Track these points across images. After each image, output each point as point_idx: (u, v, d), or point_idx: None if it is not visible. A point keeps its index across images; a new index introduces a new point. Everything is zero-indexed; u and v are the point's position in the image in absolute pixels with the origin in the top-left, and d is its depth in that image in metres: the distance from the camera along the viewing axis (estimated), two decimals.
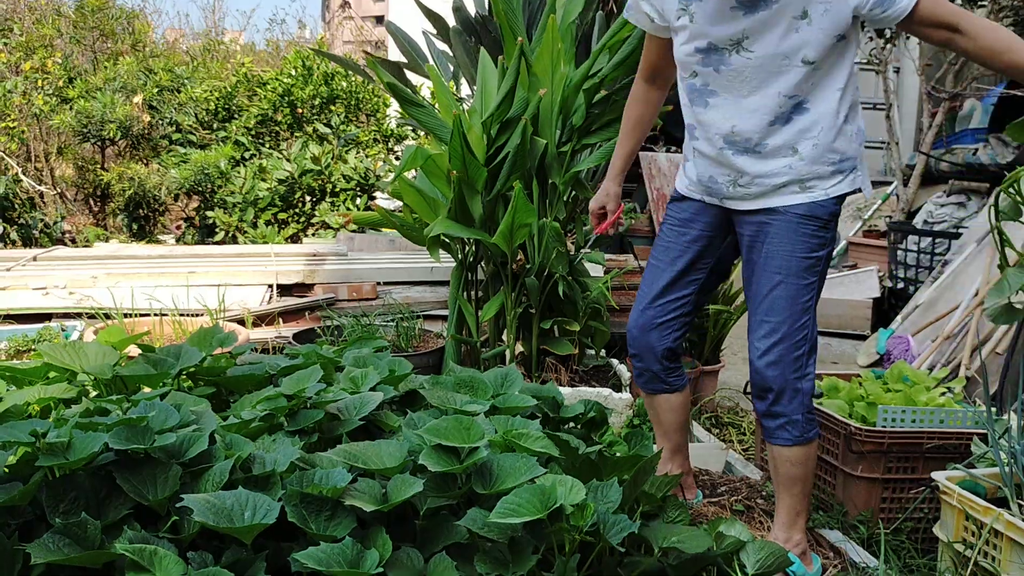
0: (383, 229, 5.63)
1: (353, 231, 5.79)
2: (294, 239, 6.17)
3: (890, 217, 6.90)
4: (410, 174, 4.11)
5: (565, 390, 3.76)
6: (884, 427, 2.70)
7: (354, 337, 2.91)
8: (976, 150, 6.72)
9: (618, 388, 3.94)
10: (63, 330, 3.77)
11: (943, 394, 2.96)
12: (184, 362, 2.45)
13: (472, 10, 5.58)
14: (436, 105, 3.96)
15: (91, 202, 6.94)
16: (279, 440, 1.95)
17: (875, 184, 8.63)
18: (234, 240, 6.26)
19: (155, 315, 3.99)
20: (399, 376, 2.46)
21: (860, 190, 2.32)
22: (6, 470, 1.66)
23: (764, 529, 2.72)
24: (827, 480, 2.87)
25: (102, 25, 7.08)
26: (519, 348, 3.88)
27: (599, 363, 4.18)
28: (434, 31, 5.69)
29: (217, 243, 6.38)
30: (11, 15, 6.99)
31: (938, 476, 2.38)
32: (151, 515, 1.69)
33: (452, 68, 5.75)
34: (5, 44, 6.58)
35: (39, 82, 6.05)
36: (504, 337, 3.83)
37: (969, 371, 4.68)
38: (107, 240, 6.09)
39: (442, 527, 1.77)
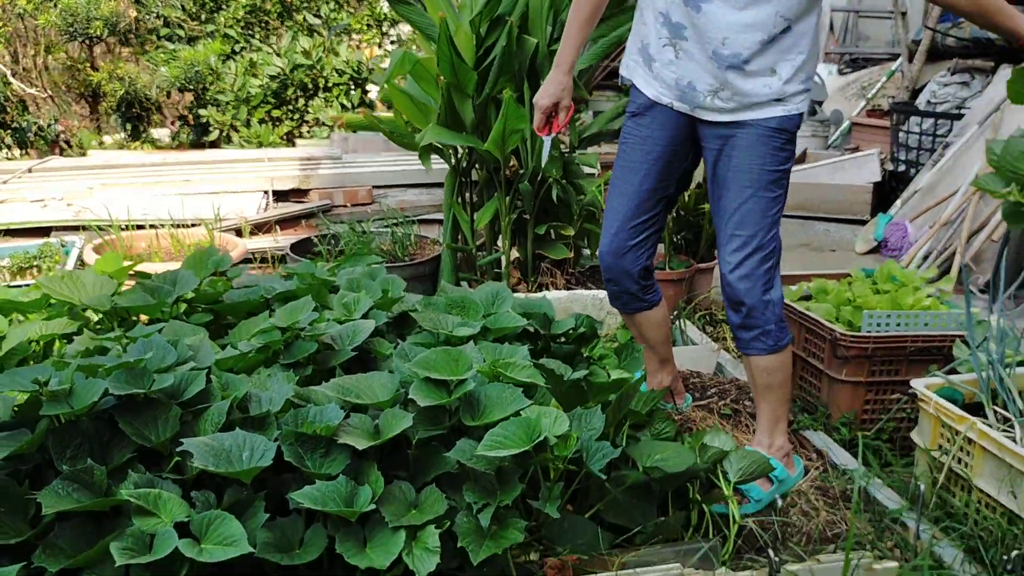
0: None
1: (347, 131, 5.74)
2: (288, 137, 6.12)
3: (893, 98, 6.79)
4: (399, 78, 4.04)
5: (561, 293, 3.83)
6: (869, 332, 2.76)
7: (349, 252, 2.94)
8: None
9: None
10: (63, 246, 3.81)
11: (930, 295, 3.00)
12: (180, 289, 2.49)
13: None
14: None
15: (83, 102, 6.87)
16: (274, 375, 2.02)
17: (881, 59, 8.45)
18: (228, 139, 6.21)
19: (151, 227, 4.03)
20: (392, 300, 2.51)
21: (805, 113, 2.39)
22: (11, 417, 1.74)
23: (750, 432, 2.82)
24: (812, 383, 2.95)
25: None
26: (515, 253, 3.92)
27: (595, 263, 4.22)
28: None
29: (212, 142, 6.34)
30: None
31: (916, 384, 2.45)
32: (154, 456, 1.78)
33: None
34: None
35: None
36: (499, 243, 3.87)
37: (964, 259, 4.72)
38: (101, 144, 6.05)
39: (432, 457, 1.86)
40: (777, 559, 1.99)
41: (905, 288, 2.97)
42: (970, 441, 2.24)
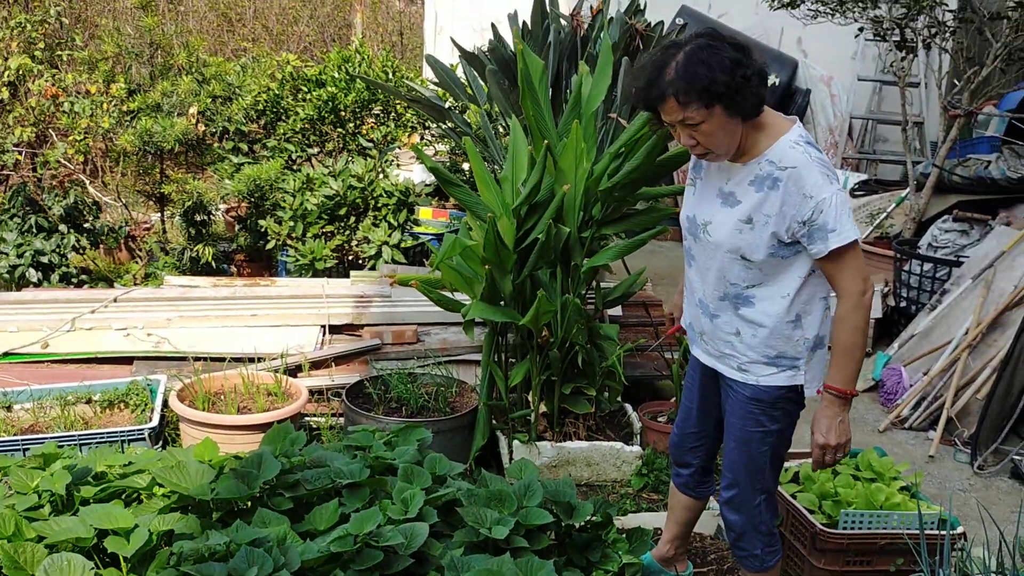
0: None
1: (396, 261, 6.31)
2: (339, 250, 6.67)
3: (899, 234, 7.25)
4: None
5: (583, 444, 4.33)
6: (845, 529, 3.22)
7: (399, 430, 3.45)
8: (988, 163, 7.00)
9: (629, 439, 4.48)
10: (148, 384, 4.34)
11: (902, 488, 3.46)
12: (265, 474, 3.00)
13: (507, 47, 5.94)
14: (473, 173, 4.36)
15: (151, 204, 7.50)
16: None
17: (891, 185, 8.96)
18: (284, 248, 6.79)
19: (225, 360, 4.57)
20: (440, 492, 3.00)
21: (800, 388, 2.68)
22: None
23: None
24: (796, 564, 3.40)
25: (160, 40, 7.50)
26: (543, 407, 4.42)
27: (613, 408, 4.71)
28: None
29: (268, 250, 6.91)
30: (71, 27, 7.43)
31: None
32: None
33: (486, 96, 6.12)
34: (70, 56, 7.04)
35: (104, 105, 6.53)
36: (530, 398, 4.37)
37: (951, 412, 5.16)
38: (171, 269, 6.64)
39: None
40: None
41: (880, 483, 3.42)
42: None
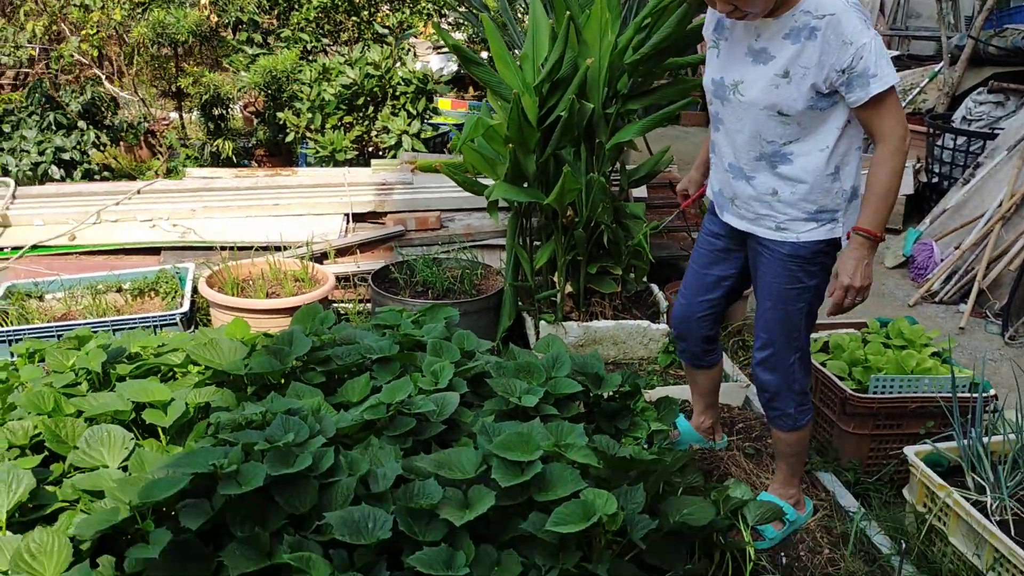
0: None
1: (416, 150, 6.22)
2: (358, 141, 6.60)
3: (932, 109, 7.06)
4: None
5: (609, 323, 4.32)
6: (875, 394, 3.22)
7: (426, 309, 3.45)
8: None
9: (656, 317, 4.48)
10: (176, 272, 4.36)
11: (934, 353, 3.44)
12: (296, 350, 3.03)
13: None
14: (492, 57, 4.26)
15: (168, 100, 7.43)
16: (383, 447, 2.55)
17: (924, 60, 8.67)
18: (303, 140, 6.72)
19: (252, 249, 4.59)
20: (469, 365, 3.02)
21: (837, 242, 2.65)
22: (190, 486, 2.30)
23: (770, 471, 3.31)
24: (825, 429, 3.42)
25: None
26: (568, 288, 4.41)
27: (640, 288, 4.69)
28: None
29: (287, 144, 6.85)
30: None
31: (908, 451, 2.92)
32: (298, 518, 2.33)
33: None
34: None
35: None
36: (556, 279, 4.36)
37: (983, 284, 5.10)
38: (190, 157, 6.59)
39: (508, 521, 2.38)
40: None
41: (911, 349, 3.41)
42: (948, 506, 2.72)
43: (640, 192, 5.13)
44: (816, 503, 3.17)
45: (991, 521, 2.58)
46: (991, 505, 2.68)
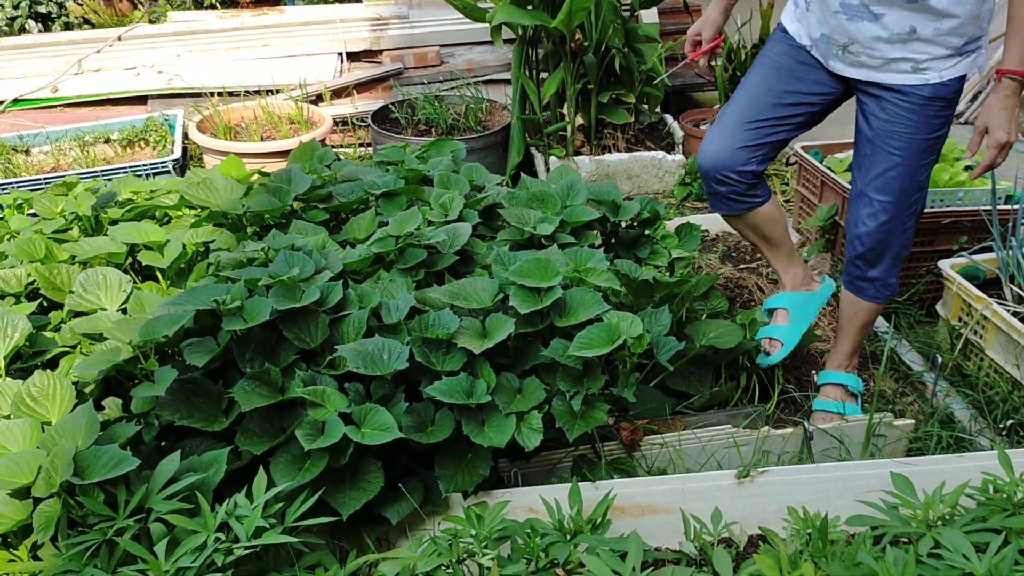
0: None
1: None
2: None
3: None
4: None
5: (623, 156, 4.14)
6: None
7: (431, 144, 3.27)
8: None
9: (671, 148, 4.28)
10: (165, 119, 4.15)
11: (966, 168, 3.26)
12: (296, 188, 2.87)
13: None
14: None
15: None
16: (395, 279, 2.42)
17: None
18: None
19: (243, 94, 4.36)
20: (479, 197, 2.85)
21: (978, 71, 2.25)
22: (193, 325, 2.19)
23: None
24: None
25: None
26: (579, 119, 4.19)
27: (653, 120, 4.47)
28: None
29: None
30: None
31: (943, 264, 2.78)
32: (309, 354, 2.22)
33: None
34: None
35: None
36: (565, 110, 4.13)
37: None
38: (176, 6, 6.24)
39: (529, 349, 2.28)
40: (811, 424, 2.43)
41: (943, 163, 3.22)
42: (985, 318, 2.60)
43: (650, 16, 4.82)
44: None
45: None
46: None
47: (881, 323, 3.03)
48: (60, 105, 4.46)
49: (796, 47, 2.40)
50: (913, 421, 2.51)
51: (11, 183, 3.50)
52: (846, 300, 2.55)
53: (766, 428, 2.45)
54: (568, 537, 1.83)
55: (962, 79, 2.22)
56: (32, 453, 1.83)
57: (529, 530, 1.82)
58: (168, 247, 2.55)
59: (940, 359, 2.63)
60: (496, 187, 3.08)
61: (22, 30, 5.95)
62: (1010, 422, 2.30)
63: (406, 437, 2.02)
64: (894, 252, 2.41)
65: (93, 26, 6.49)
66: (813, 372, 2.71)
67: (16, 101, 4.44)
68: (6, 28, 5.87)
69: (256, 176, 2.97)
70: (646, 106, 4.25)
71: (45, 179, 3.54)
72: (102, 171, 3.58)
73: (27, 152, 3.97)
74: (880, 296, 2.48)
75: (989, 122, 2.16)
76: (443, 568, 1.76)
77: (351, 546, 2.02)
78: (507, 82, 4.55)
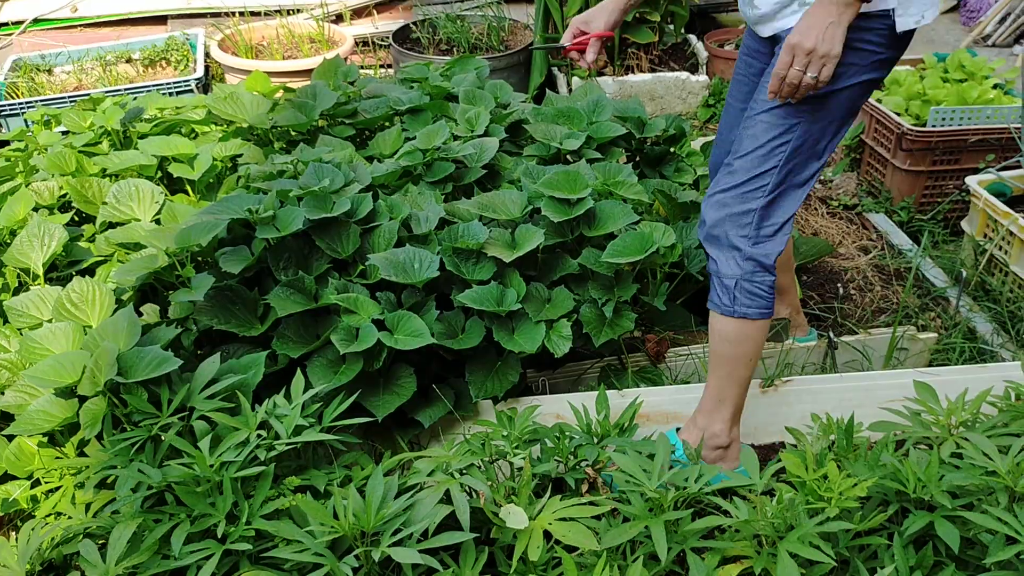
0: None
1: None
2: None
3: None
4: None
5: (646, 76, 4.11)
6: (934, 127, 3.04)
7: (455, 61, 3.25)
8: None
9: (695, 69, 4.23)
10: (186, 39, 4.13)
11: (996, 85, 3.23)
12: (321, 104, 2.87)
13: None
14: None
15: None
16: (423, 192, 2.44)
17: None
18: None
19: (264, 14, 4.32)
20: (505, 113, 2.85)
21: (915, 22, 1.75)
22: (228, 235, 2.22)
23: (821, 215, 3.19)
24: (878, 169, 3.27)
25: None
26: None
27: (677, 40, 4.42)
28: None
29: None
30: None
31: (970, 181, 2.78)
32: (341, 264, 2.25)
33: None
34: None
35: None
36: None
37: None
38: None
39: (558, 260, 2.30)
40: (835, 337, 2.45)
41: (972, 81, 3.19)
42: (1011, 233, 2.61)
43: None
44: (867, 243, 3.07)
45: None
46: None
47: (905, 240, 3.03)
48: (80, 25, 4.45)
49: (748, 35, 2.10)
50: (936, 335, 2.53)
51: (36, 101, 3.51)
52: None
53: (790, 340, 2.48)
54: (596, 440, 1.88)
55: (869, 31, 1.75)
56: (76, 354, 1.88)
57: (558, 433, 1.86)
58: (198, 160, 2.57)
59: (964, 274, 2.64)
60: (521, 104, 3.07)
61: None
62: None
63: (438, 343, 2.06)
64: (731, 237, 1.87)
65: None
66: (839, 286, 2.73)
67: (36, 21, 4.42)
68: None
69: (281, 92, 2.96)
70: (671, 26, 4.20)
71: (69, 97, 3.54)
72: (126, 89, 3.58)
73: (49, 71, 3.97)
74: (716, 302, 1.91)
75: (798, 23, 1.73)
76: (475, 467, 1.82)
77: (385, 447, 2.08)
78: (529, 0, 4.48)
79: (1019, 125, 2.89)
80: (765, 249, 1.86)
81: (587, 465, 1.83)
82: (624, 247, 2.16)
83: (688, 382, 2.37)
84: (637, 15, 4.01)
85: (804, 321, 2.51)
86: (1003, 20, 5.00)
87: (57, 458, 1.91)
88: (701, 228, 1.93)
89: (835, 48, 1.69)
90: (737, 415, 1.98)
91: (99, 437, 1.84)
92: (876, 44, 1.76)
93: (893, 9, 1.72)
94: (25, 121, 3.29)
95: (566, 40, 2.18)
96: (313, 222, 2.19)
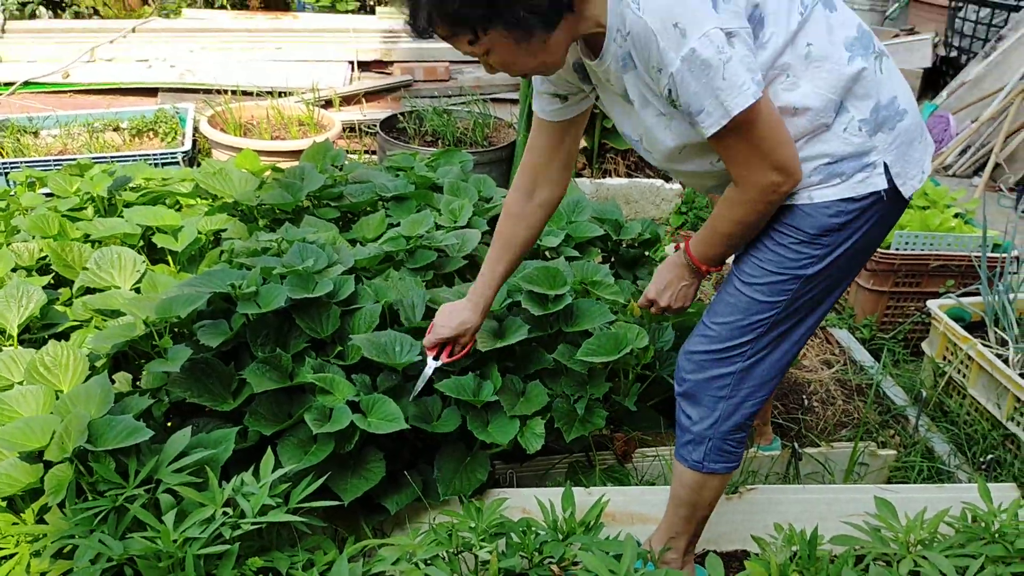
0: None
1: None
2: None
3: None
4: None
5: (623, 180, 4.23)
6: (898, 250, 3.16)
7: (440, 153, 3.34)
8: None
9: (669, 177, 4.37)
10: (176, 112, 4.20)
11: (957, 214, 3.37)
12: (308, 186, 2.93)
13: None
14: None
15: None
16: (404, 279, 2.48)
17: None
18: None
19: (256, 94, 4.41)
20: (487, 206, 2.93)
21: (880, 193, 1.64)
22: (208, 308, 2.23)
23: None
24: None
25: None
26: (583, 142, 4.28)
27: None
28: None
29: None
30: None
31: (932, 304, 2.88)
32: (319, 344, 2.27)
33: None
34: None
35: None
36: None
37: (999, 157, 5.01)
38: (187, 3, 6.30)
39: (534, 354, 2.34)
40: (799, 448, 2.50)
41: (935, 208, 3.34)
42: (970, 358, 2.70)
43: None
44: (831, 357, 3.15)
45: (1014, 371, 2.56)
46: (1013, 357, 2.66)
47: (867, 357, 3.12)
48: (71, 91, 4.50)
49: None
50: (895, 452, 2.59)
51: (21, 162, 3.53)
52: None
53: (754, 448, 2.51)
54: (562, 537, 1.88)
55: (839, 211, 1.65)
56: (46, 418, 1.86)
57: (524, 528, 1.87)
58: (183, 232, 2.60)
59: (924, 394, 2.72)
60: (503, 199, 3.15)
61: (33, 15, 5.99)
62: (990, 456, 2.39)
63: (414, 425, 2.07)
64: (709, 397, 1.83)
65: (101, 17, 6.54)
66: (803, 397, 2.79)
67: (27, 83, 4.48)
68: (17, 12, 5.90)
69: (269, 172, 3.02)
70: None
71: (54, 161, 3.57)
72: (112, 157, 3.62)
73: (36, 134, 4.00)
74: (685, 455, 1.89)
75: (655, 274, 1.91)
76: (440, 559, 1.81)
77: (348, 532, 2.06)
78: (514, 101, 4.64)
79: (979, 254, 3.02)
80: (744, 410, 1.82)
81: (552, 562, 1.83)
82: (599, 346, 2.21)
83: (654, 483, 2.39)
84: None
85: (770, 431, 2.56)
86: (963, 152, 5.25)
87: (14, 523, 1.87)
88: (679, 382, 1.87)
89: (687, 303, 1.89)
90: (693, 544, 2.00)
91: (61, 505, 1.81)
92: (855, 216, 1.67)
93: (884, 190, 1.64)
94: (8, 181, 3.30)
95: (429, 343, 2.12)
96: (295, 301, 2.22)
